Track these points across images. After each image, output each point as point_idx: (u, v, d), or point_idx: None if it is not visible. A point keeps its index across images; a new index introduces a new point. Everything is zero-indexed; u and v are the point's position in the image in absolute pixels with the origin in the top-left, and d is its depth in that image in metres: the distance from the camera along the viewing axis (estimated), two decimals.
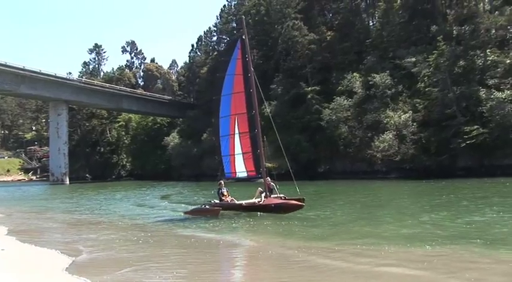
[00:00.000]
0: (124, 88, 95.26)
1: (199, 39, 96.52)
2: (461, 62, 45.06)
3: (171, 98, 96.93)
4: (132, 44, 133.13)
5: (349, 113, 51.98)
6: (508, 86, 42.25)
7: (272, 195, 19.96)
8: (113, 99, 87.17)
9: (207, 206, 20.62)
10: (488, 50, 45.41)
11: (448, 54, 45.02)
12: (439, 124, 43.61)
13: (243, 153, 21.56)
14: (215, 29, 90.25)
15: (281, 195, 20.03)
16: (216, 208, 19.83)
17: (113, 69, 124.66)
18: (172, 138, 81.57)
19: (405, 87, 50.10)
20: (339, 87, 55.11)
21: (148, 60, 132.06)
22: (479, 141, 39.63)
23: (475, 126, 40.26)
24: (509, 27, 44.95)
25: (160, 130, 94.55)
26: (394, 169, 45.66)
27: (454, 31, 48.48)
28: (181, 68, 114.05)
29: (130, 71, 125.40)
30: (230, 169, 22.04)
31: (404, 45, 53.07)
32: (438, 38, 46.36)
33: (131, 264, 10.83)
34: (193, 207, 22.01)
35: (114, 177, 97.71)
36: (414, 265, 9.56)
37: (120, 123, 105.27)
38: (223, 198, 20.77)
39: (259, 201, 19.78)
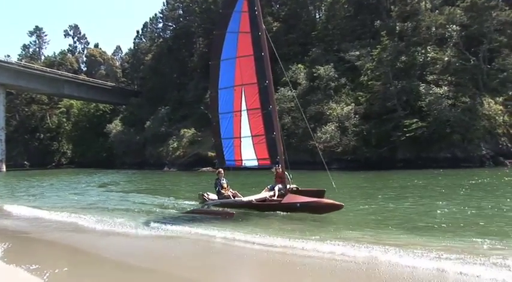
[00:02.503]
0: (66, 73, 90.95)
1: (145, 25, 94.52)
2: (403, 58, 45.38)
3: (114, 84, 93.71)
4: (75, 27, 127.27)
5: (292, 103, 51.54)
6: (446, 83, 43.03)
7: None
8: (54, 84, 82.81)
9: (206, 206, 16.14)
10: (428, 47, 46.19)
11: (390, 49, 45.33)
12: (380, 117, 43.76)
13: (252, 136, 16.82)
14: (161, 15, 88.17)
15: (293, 185, 16.48)
16: (229, 212, 15.04)
17: (54, 53, 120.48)
18: (115, 126, 78.99)
19: (348, 80, 50.21)
20: (283, 78, 54.51)
21: (91, 45, 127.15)
22: (417, 134, 39.88)
23: (414, 120, 40.43)
24: (447, 26, 45.75)
25: (102, 117, 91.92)
26: (335, 160, 45.32)
27: (397, 27, 48.78)
28: (126, 54, 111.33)
29: (72, 55, 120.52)
30: (233, 156, 17.41)
31: (349, 38, 53.43)
32: (382, 33, 47.12)
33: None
34: (194, 207, 17.04)
35: (54, 164, 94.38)
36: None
37: (61, 110, 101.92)
38: (222, 191, 16.19)
39: (271, 196, 15.77)
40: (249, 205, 15.62)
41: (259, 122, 16.61)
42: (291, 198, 15.12)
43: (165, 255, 10.47)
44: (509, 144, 40.07)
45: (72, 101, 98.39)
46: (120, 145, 74.67)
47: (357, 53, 49.64)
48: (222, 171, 16.51)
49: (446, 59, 44.59)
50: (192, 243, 11.57)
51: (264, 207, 15.45)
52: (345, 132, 45.51)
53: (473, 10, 44.20)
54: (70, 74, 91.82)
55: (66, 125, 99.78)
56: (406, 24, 47.86)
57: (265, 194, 16.13)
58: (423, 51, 45.97)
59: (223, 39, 16.90)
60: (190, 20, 77.46)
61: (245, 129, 16.90)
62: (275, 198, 15.63)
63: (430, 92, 41.84)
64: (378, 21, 51.02)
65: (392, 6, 52.55)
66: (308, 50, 55.81)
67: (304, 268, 8.66)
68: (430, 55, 45.59)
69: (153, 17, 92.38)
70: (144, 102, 76.18)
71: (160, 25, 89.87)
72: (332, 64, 50.87)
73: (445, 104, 40.63)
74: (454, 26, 45.23)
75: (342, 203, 14.12)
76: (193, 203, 18.46)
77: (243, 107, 16.78)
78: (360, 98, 47.29)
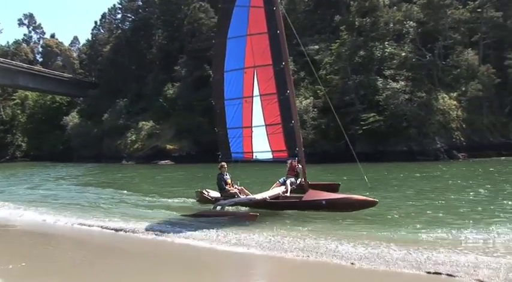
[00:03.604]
0: (20, 64, 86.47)
1: (103, 16, 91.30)
2: (362, 52, 45.61)
3: (71, 76, 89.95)
4: (30, 17, 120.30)
5: None
6: (403, 78, 43.46)
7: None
8: (7, 75, 78.65)
9: (218, 207, 13.72)
10: (386, 42, 46.57)
11: (349, 44, 45.48)
12: (338, 111, 43.74)
13: (266, 126, 14.54)
14: (120, 6, 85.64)
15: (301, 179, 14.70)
16: (251, 214, 12.74)
17: (8, 43, 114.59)
18: (72, 118, 76.19)
19: (307, 73, 50.06)
20: None
21: (48, 36, 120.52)
22: (374, 128, 40.08)
23: (372, 114, 40.63)
24: (405, 22, 46.34)
25: (59, 109, 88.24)
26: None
27: (356, 22, 48.78)
28: (83, 45, 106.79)
29: (27, 45, 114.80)
30: (242, 148, 15.09)
31: (308, 33, 53.07)
32: (341, 27, 47.30)
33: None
34: (204, 208, 14.68)
35: (8, 158, 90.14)
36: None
37: (15, 101, 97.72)
38: (226, 187, 13.97)
39: (284, 192, 14.03)
40: (263, 204, 13.60)
41: (275, 109, 14.39)
42: (313, 195, 13.31)
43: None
44: (462, 138, 40.84)
45: (27, 93, 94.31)
46: (77, 138, 72.05)
47: (316, 47, 49.48)
48: (226, 166, 14.35)
49: (403, 54, 45.24)
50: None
51: (282, 205, 13.63)
52: (303, 126, 45.18)
53: (429, 7, 44.91)
54: (25, 65, 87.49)
55: (20, 117, 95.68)
56: (365, 19, 47.85)
57: (277, 189, 14.24)
58: (381, 46, 46.31)
59: (230, 13, 14.54)
60: (149, 11, 75.56)
61: (258, 118, 14.67)
62: (288, 194, 14.00)
63: (388, 86, 42.32)
64: (338, 16, 51.08)
65: (351, 2, 52.61)
66: None
67: None
68: (388, 50, 46.15)
69: (111, 7, 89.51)
70: (102, 95, 73.70)
71: (119, 16, 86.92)
72: (291, 58, 50.45)
73: (402, 99, 41.13)
74: (411, 22, 46.02)
75: (376, 199, 12.63)
76: (176, 199, 17.30)
77: (256, 92, 14.54)
78: (318, 91, 47.18)
